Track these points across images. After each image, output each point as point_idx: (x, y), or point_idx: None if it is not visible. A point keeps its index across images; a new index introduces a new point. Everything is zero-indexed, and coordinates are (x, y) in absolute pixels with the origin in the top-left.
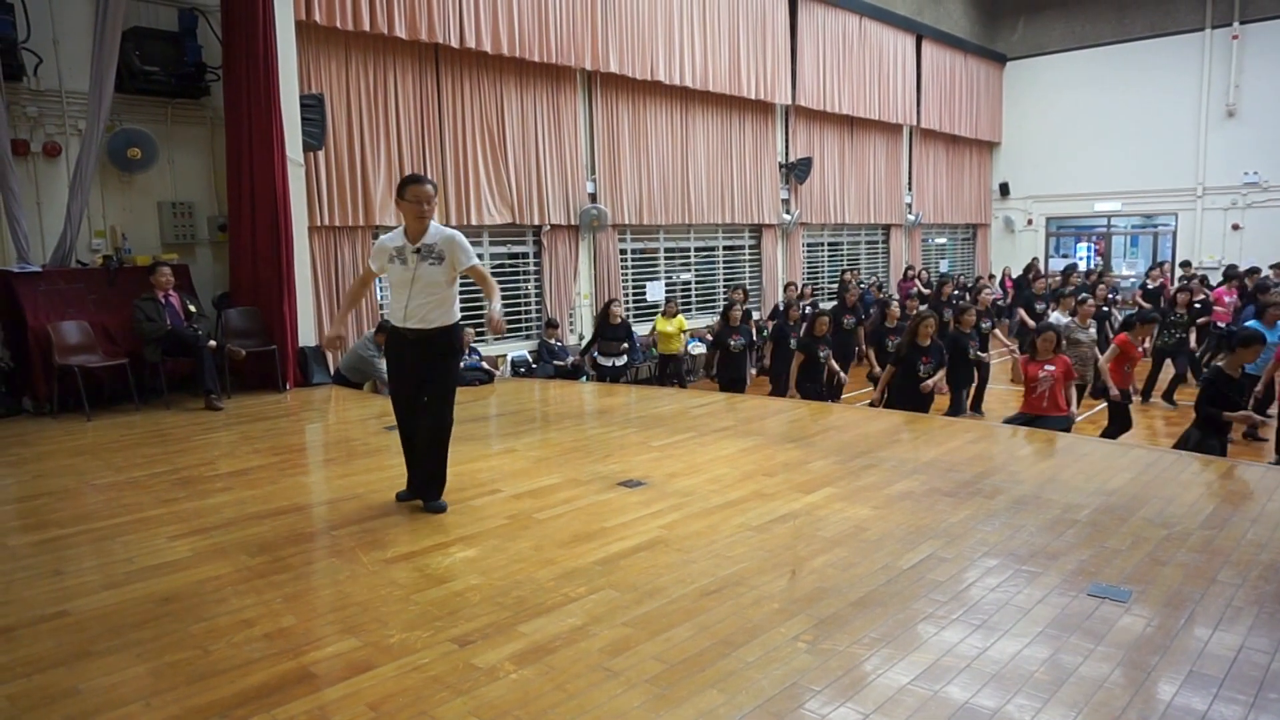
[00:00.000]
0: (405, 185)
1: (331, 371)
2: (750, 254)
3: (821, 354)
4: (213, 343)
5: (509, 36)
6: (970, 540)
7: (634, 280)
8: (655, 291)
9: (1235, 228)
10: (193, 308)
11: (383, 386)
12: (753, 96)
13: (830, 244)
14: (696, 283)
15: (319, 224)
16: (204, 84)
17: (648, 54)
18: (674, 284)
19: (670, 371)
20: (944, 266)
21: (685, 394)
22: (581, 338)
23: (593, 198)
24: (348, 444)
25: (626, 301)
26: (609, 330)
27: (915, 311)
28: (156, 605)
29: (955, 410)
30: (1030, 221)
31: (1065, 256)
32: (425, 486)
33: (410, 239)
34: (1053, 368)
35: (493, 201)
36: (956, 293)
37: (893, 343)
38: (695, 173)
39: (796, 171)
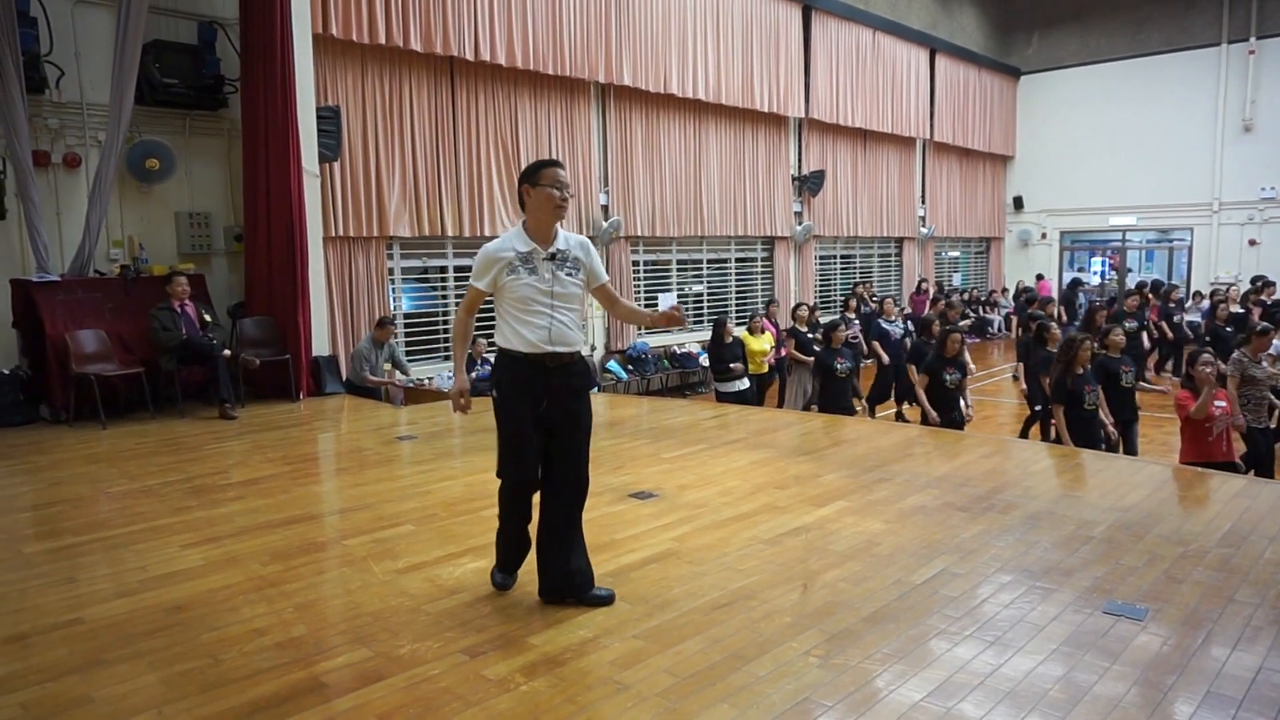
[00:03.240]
0: (539, 169)
1: (343, 381)
2: (763, 266)
3: (949, 377)
4: (228, 352)
5: (523, 49)
6: (984, 556)
7: (646, 292)
8: (667, 303)
9: (1252, 243)
10: (208, 317)
11: (396, 391)
12: (766, 109)
13: (843, 257)
14: (709, 295)
15: (334, 234)
16: (222, 96)
17: (661, 66)
18: (685, 295)
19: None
20: (957, 280)
21: (697, 406)
22: (594, 348)
23: (605, 209)
24: (360, 454)
25: None
26: (725, 351)
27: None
28: (168, 614)
29: (1130, 449)
30: (1044, 235)
31: (1082, 270)
32: (572, 573)
33: (539, 242)
34: (1224, 404)
35: (506, 213)
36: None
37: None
38: (708, 185)
39: (809, 184)
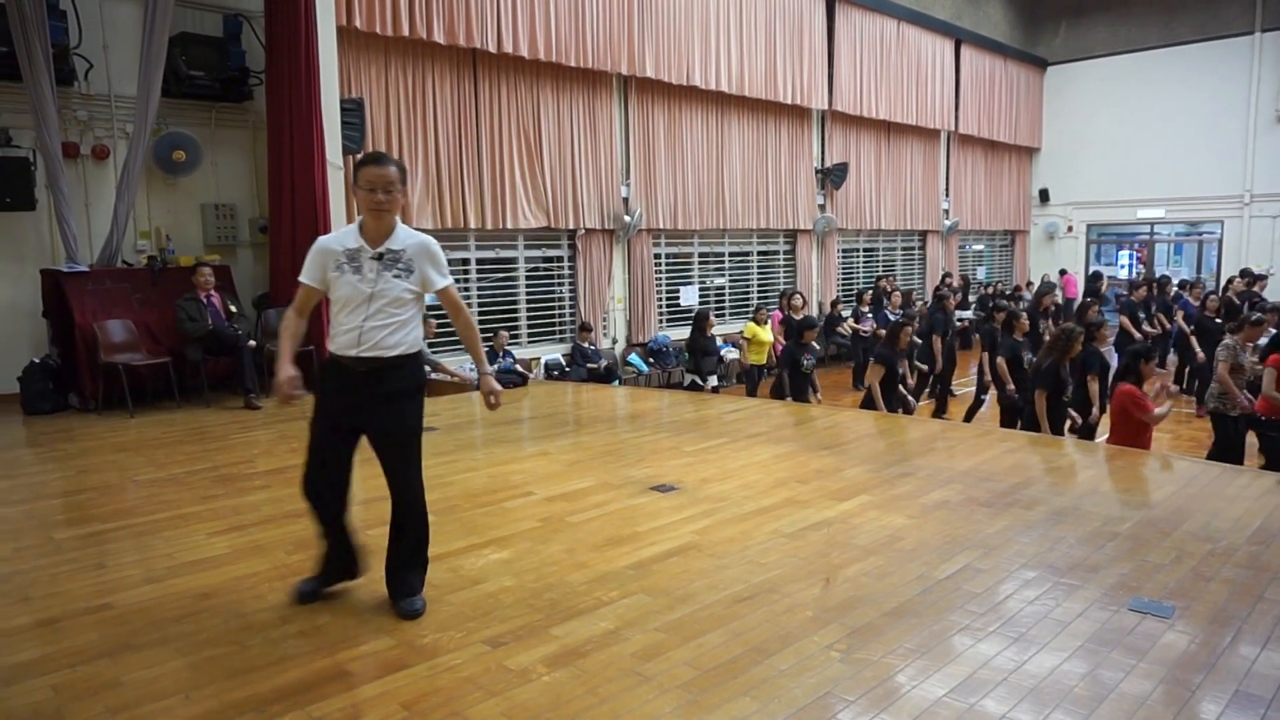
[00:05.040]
0: (358, 168)
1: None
2: (785, 259)
3: (900, 370)
4: (253, 342)
5: (546, 41)
6: (1008, 551)
7: (668, 285)
8: (689, 296)
9: None
10: (233, 308)
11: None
12: (789, 101)
13: (866, 250)
14: (730, 288)
15: None
16: (247, 88)
17: (684, 58)
18: (707, 289)
19: (757, 381)
20: (981, 274)
21: (718, 399)
22: (615, 341)
23: (627, 202)
24: None
25: (660, 306)
26: (707, 344)
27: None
28: (195, 600)
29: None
30: (1070, 228)
31: (1111, 265)
32: (399, 575)
33: (368, 241)
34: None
35: (528, 205)
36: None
37: (1027, 359)
38: (730, 177)
39: (832, 177)
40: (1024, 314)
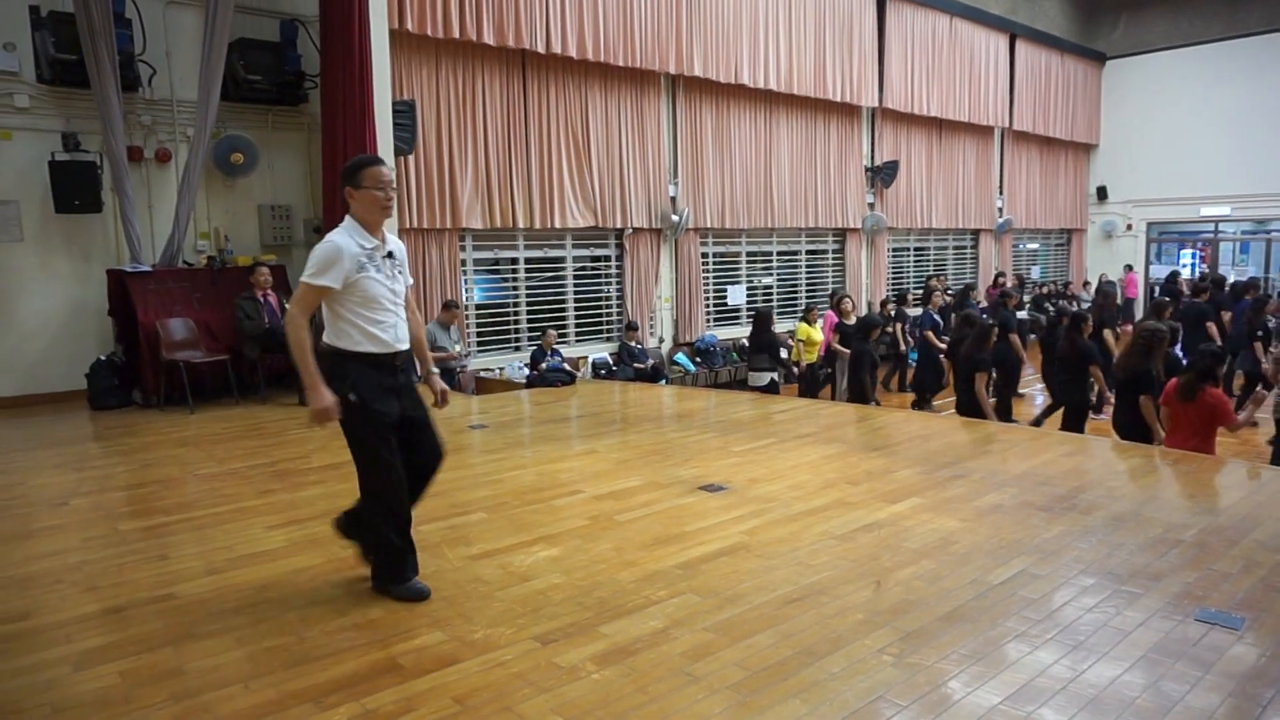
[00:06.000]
0: (359, 170)
1: (419, 372)
2: (834, 258)
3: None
4: None
5: (594, 41)
6: (1065, 557)
7: (715, 284)
8: (736, 296)
9: None
10: (289, 307)
11: (468, 380)
12: (838, 99)
13: (917, 248)
14: (779, 287)
15: (409, 226)
16: (302, 92)
17: (732, 57)
18: (755, 288)
19: (811, 381)
20: (1036, 273)
21: (766, 399)
22: (662, 340)
23: (674, 201)
24: None
25: (707, 306)
26: (773, 342)
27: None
28: (254, 592)
29: None
30: (1130, 227)
31: (1173, 264)
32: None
33: (378, 239)
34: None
35: (576, 204)
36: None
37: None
38: (779, 176)
39: (882, 175)
40: (1090, 317)
